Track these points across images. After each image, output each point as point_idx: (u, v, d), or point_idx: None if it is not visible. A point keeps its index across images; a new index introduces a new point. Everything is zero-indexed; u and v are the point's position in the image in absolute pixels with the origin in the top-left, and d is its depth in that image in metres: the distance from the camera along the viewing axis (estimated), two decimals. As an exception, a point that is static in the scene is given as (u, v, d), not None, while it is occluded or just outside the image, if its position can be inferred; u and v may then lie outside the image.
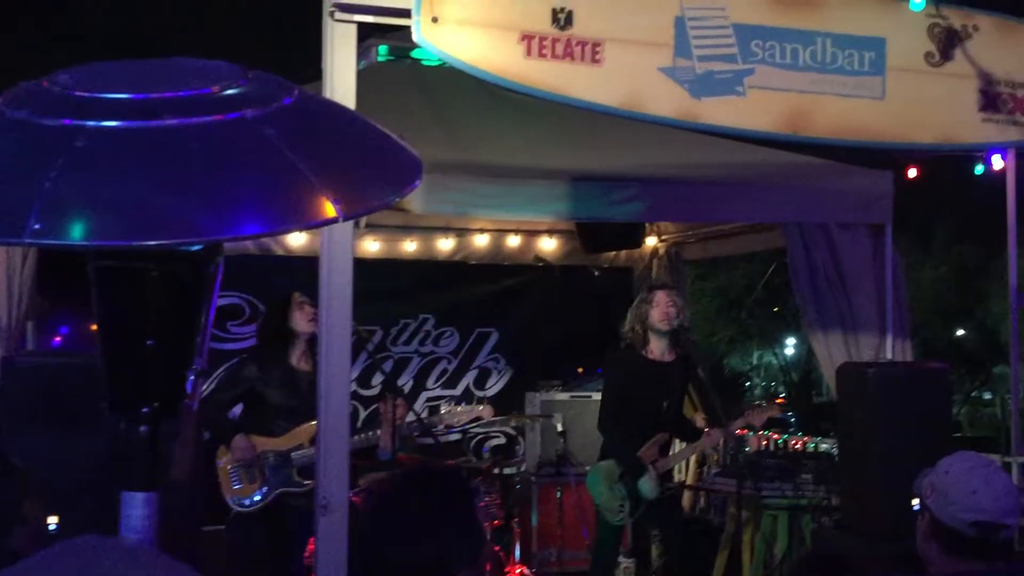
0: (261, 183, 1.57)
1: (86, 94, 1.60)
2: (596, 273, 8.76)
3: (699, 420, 6.99)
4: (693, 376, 6.94)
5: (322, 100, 2.07)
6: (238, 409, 6.36)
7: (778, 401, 7.25)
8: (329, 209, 1.55)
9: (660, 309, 6.42)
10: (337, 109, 1.96)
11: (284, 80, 1.74)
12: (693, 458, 8.48)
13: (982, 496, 2.77)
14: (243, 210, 1.53)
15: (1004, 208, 7.77)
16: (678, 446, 7.25)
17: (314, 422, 5.80)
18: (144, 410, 1.70)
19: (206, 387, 6.56)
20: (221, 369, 6.92)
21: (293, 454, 6.02)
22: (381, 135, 1.78)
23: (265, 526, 6.08)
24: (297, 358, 6.13)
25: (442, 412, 6.58)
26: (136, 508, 1.69)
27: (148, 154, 1.53)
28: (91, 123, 1.54)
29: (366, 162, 1.72)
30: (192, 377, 1.74)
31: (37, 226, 1.44)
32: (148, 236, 1.49)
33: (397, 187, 1.73)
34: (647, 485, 6.31)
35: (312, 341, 6.05)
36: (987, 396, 32.31)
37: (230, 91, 1.64)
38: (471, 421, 6.72)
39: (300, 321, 6.08)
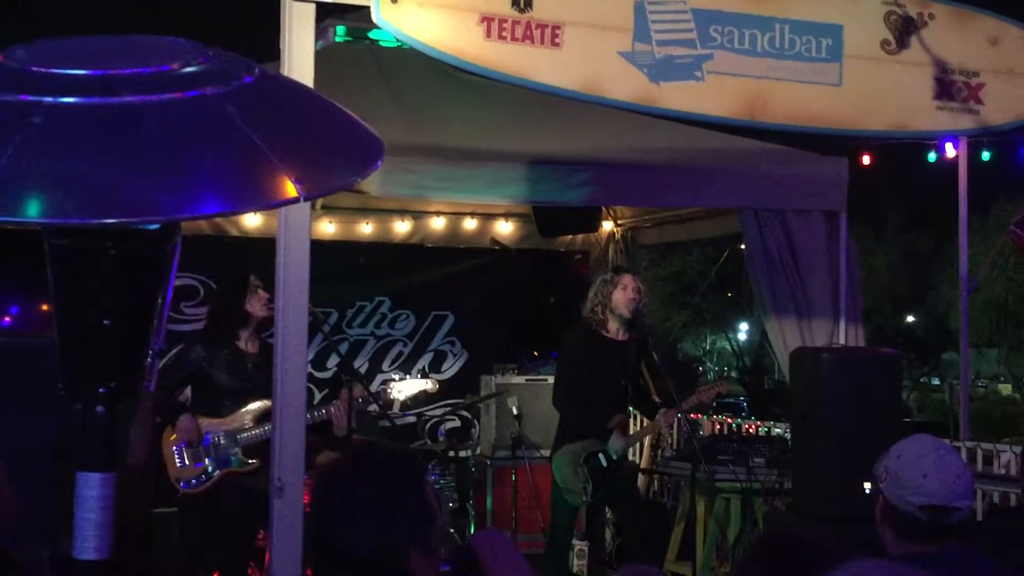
0: (221, 162, 1.55)
1: (43, 69, 1.57)
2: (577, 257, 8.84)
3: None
4: (648, 358, 6.95)
5: (283, 79, 2.05)
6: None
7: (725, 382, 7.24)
8: (290, 189, 1.53)
9: (625, 293, 6.42)
10: (298, 88, 1.94)
11: (244, 58, 1.72)
12: (647, 441, 8.52)
13: (932, 480, 2.79)
14: (203, 189, 1.51)
15: (956, 196, 7.86)
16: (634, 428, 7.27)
17: (259, 402, 5.82)
18: (101, 390, 1.68)
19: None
20: (170, 353, 6.86)
21: (239, 435, 6.00)
22: (343, 115, 1.76)
23: (213, 507, 6.05)
24: (245, 340, 6.11)
25: (387, 390, 6.57)
26: (92, 489, 1.66)
27: (106, 131, 1.51)
28: (48, 99, 1.52)
29: (328, 142, 1.70)
30: (150, 358, 1.72)
31: (-8, 203, 1.42)
32: (106, 214, 1.47)
33: (359, 168, 1.72)
34: (616, 444, 6.31)
35: (261, 324, 6.03)
36: (936, 382, 32.77)
37: (190, 68, 1.62)
38: (417, 393, 6.71)
39: (255, 305, 6.06)
